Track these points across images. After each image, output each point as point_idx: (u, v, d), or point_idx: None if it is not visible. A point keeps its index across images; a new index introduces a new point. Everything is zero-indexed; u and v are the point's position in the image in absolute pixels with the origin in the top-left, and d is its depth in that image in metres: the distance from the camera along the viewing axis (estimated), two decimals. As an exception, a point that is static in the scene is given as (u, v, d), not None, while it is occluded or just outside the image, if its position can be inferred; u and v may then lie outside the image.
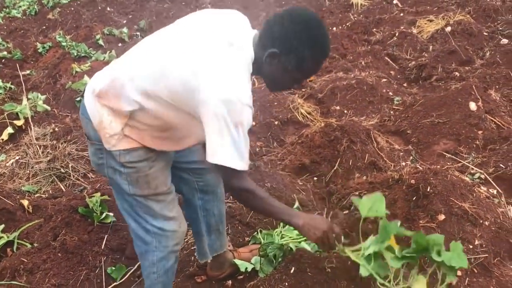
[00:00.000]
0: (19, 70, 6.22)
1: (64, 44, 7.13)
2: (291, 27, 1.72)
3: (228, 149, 1.68)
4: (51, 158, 3.87)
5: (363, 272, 1.76)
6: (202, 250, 2.50)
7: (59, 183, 3.71)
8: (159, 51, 1.81)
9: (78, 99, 4.98)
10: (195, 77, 1.68)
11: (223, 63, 1.69)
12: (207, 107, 1.66)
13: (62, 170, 3.78)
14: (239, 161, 1.71)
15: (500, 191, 3.00)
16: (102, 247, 2.76)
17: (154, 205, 1.99)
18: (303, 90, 5.10)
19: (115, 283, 2.66)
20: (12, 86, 5.73)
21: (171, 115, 1.81)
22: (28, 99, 4.85)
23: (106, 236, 2.81)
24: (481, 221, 2.53)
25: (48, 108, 4.84)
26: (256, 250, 2.63)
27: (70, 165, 3.81)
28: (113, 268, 2.70)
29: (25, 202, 3.11)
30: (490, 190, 3.00)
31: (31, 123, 4.37)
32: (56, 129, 4.26)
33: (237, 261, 2.59)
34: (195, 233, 2.43)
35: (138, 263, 2.75)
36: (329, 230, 1.90)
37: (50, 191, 3.59)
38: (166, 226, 2.02)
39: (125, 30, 8.07)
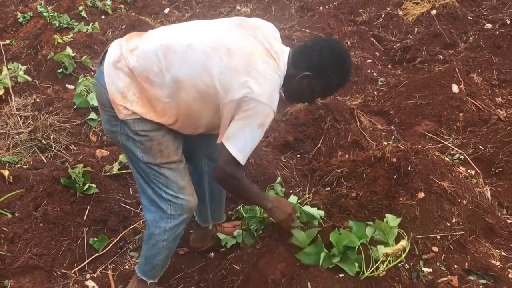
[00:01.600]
0: (-2, 39, 6.06)
1: (45, 14, 6.95)
2: (328, 58, 1.97)
3: (242, 142, 1.88)
4: (32, 129, 3.81)
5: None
6: (205, 215, 2.58)
7: (40, 154, 3.66)
8: (198, 47, 1.90)
9: (60, 70, 4.89)
10: (235, 78, 1.84)
11: (263, 70, 1.87)
12: (242, 104, 1.84)
13: (44, 142, 3.74)
14: (243, 156, 1.91)
15: (478, 171, 3.07)
16: (85, 218, 2.75)
17: (167, 173, 2.07)
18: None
19: (97, 254, 2.67)
20: (-9, 56, 5.60)
21: (196, 105, 1.93)
22: (8, 69, 4.74)
23: (88, 207, 2.80)
24: (459, 200, 2.59)
25: (29, 78, 4.74)
26: (239, 225, 2.66)
27: (51, 137, 3.76)
28: (95, 239, 2.71)
29: (6, 173, 3.07)
30: (468, 170, 3.07)
31: (12, 93, 4.28)
32: (38, 100, 4.19)
33: (220, 235, 2.62)
34: (199, 198, 2.43)
35: (121, 235, 2.77)
36: (293, 213, 2.24)
37: (31, 162, 3.54)
38: (180, 195, 2.10)
39: (108, 2, 7.91)
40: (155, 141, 1.99)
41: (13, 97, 4.20)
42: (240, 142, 1.88)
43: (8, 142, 3.76)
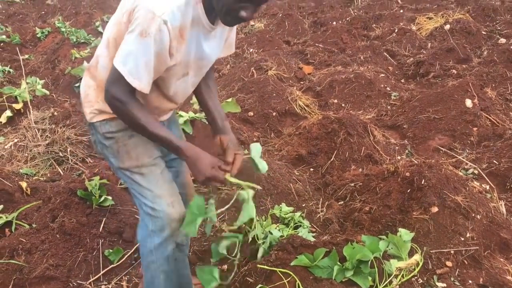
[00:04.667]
0: (19, 54, 6.20)
1: (63, 30, 7.13)
2: None
3: (126, 56, 1.63)
4: (50, 141, 3.88)
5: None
6: None
7: (57, 166, 3.72)
8: None
9: (77, 84, 4.99)
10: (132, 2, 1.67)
11: None
12: (132, 16, 1.64)
13: (61, 154, 3.80)
14: (129, 72, 1.64)
15: (492, 186, 3.06)
16: (100, 229, 2.79)
17: (138, 178, 1.90)
18: (301, 82, 5.13)
19: (112, 265, 2.69)
20: (11, 70, 5.73)
21: None
22: (27, 83, 4.85)
23: (104, 219, 2.84)
24: (473, 215, 2.59)
25: (47, 92, 4.84)
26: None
27: (68, 149, 3.83)
28: (111, 250, 2.73)
29: (24, 184, 3.13)
30: (483, 185, 3.06)
31: (30, 106, 4.38)
32: (55, 113, 4.27)
33: None
34: None
35: (135, 246, 2.80)
36: (214, 175, 1.78)
37: (48, 174, 3.60)
38: (156, 206, 1.87)
39: (124, 18, 8.05)
40: (121, 142, 1.88)
41: (31, 111, 4.29)
42: (125, 56, 1.63)
43: (26, 154, 3.84)
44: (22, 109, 4.43)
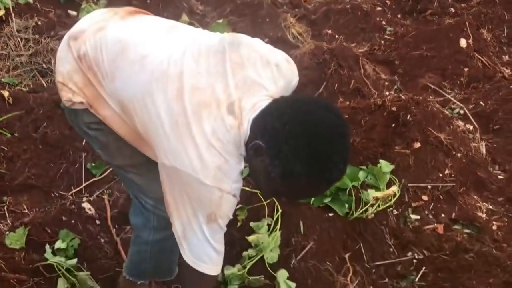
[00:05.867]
0: (0, -43, 5.85)
1: None
2: (289, 124, 1.21)
3: (199, 256, 1.39)
4: (33, 52, 3.76)
5: None
6: None
7: (40, 78, 3.63)
8: (151, 63, 1.39)
9: (62, -6, 4.77)
10: (168, 134, 1.32)
11: (210, 132, 1.28)
12: (177, 174, 1.31)
13: (44, 66, 3.69)
14: (211, 265, 1.42)
15: (476, 126, 3.09)
16: (83, 143, 2.78)
17: (136, 179, 1.63)
18: (296, 10, 4.98)
19: (94, 179, 2.72)
20: (-8, -26, 5.43)
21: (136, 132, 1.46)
22: (9, -11, 4.62)
23: (87, 133, 2.83)
24: (453, 153, 2.64)
25: (30, 1, 4.62)
26: None
27: (52, 61, 3.72)
28: (93, 164, 2.75)
29: (5, 93, 3.06)
30: (467, 125, 3.09)
31: (12, 14, 4.19)
32: (39, 23, 4.10)
33: None
34: None
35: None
36: None
37: (31, 86, 3.52)
38: (160, 206, 1.53)
39: None
40: (111, 136, 1.53)
41: (13, 18, 4.11)
42: (197, 257, 1.39)
43: (8, 63, 3.73)
44: (4, 17, 4.23)
